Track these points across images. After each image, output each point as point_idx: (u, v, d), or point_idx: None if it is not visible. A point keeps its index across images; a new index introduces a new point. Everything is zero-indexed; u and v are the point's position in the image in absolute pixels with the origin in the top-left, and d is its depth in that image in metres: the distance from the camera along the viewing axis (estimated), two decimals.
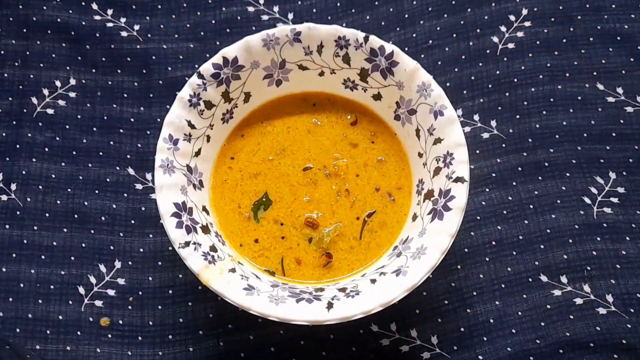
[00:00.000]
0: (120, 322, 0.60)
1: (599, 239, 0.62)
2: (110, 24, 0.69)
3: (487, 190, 0.64)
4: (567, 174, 0.64)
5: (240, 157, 0.60)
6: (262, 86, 0.61)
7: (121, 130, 0.66)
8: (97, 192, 0.64)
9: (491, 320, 0.60)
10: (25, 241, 0.62)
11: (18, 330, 0.59)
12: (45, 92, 0.67)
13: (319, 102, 0.62)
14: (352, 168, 0.60)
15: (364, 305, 0.52)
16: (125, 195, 0.64)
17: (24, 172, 0.64)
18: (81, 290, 0.61)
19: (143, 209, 0.63)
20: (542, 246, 0.62)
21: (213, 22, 0.70)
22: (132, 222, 0.63)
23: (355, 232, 0.58)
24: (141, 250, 0.62)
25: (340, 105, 0.62)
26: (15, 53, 0.68)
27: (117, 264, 0.62)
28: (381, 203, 0.59)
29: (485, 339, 0.59)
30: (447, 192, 0.55)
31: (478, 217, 0.63)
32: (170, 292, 0.61)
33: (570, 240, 0.62)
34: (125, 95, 0.67)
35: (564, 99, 0.67)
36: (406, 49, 0.68)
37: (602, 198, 0.64)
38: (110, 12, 0.69)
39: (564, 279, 0.61)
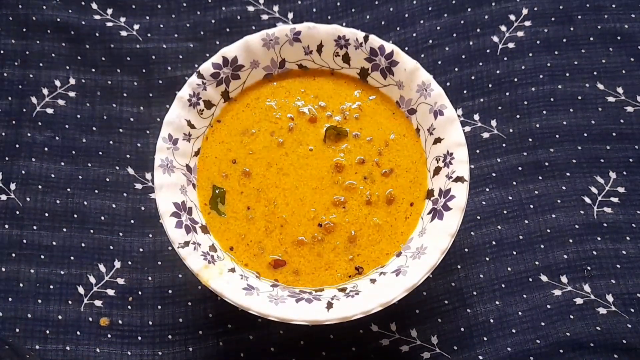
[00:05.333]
0: (120, 322, 0.60)
1: (599, 238, 0.62)
2: (110, 24, 0.69)
3: (487, 190, 0.64)
4: (568, 174, 0.64)
5: (227, 118, 0.58)
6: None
7: (121, 130, 0.66)
8: (96, 191, 0.64)
9: (491, 320, 0.60)
10: (24, 241, 0.62)
11: (17, 330, 0.59)
12: (45, 91, 0.67)
13: (337, 72, 0.60)
14: (382, 136, 0.58)
15: (363, 305, 0.51)
16: (125, 195, 0.64)
17: (23, 172, 0.64)
18: (81, 290, 0.61)
19: (142, 208, 0.63)
20: (542, 246, 0.62)
21: (213, 21, 0.70)
22: (132, 221, 0.63)
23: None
24: (141, 250, 0.62)
25: (359, 84, 0.60)
26: (14, 53, 0.67)
27: (117, 264, 0.61)
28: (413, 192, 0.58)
29: (485, 339, 0.59)
30: (447, 191, 0.55)
31: (478, 217, 0.63)
32: (170, 292, 0.61)
33: (571, 240, 0.62)
34: (125, 94, 0.67)
35: (564, 99, 0.67)
36: (406, 48, 0.68)
37: (603, 198, 0.64)
38: (110, 11, 0.69)
39: (564, 279, 0.61)
